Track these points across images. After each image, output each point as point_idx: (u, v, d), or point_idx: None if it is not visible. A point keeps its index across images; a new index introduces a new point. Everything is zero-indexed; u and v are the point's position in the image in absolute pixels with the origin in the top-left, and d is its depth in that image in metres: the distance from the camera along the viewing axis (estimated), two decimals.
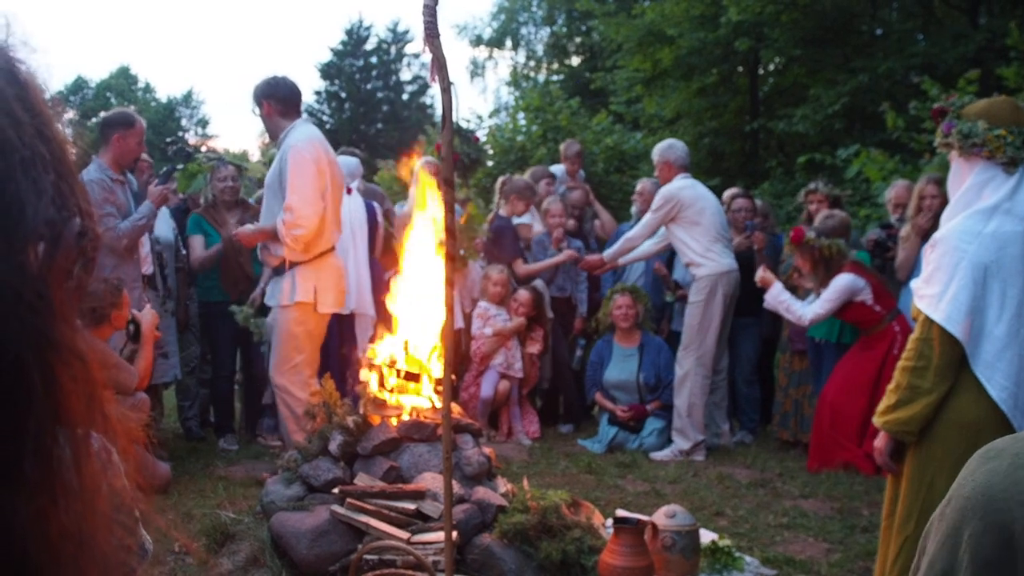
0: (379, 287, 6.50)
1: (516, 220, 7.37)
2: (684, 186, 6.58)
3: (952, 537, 0.72)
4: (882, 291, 5.89)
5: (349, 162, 6.62)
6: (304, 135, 5.12)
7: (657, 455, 6.41)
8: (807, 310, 5.92)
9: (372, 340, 6.23)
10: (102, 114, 5.55)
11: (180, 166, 5.67)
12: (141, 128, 5.36)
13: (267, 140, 5.78)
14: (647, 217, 6.74)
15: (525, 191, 7.51)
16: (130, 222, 5.22)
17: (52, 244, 0.56)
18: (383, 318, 6.30)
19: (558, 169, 8.38)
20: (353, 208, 6.36)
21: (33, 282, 0.53)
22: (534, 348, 7.08)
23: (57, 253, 0.56)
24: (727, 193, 7.61)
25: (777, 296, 6.04)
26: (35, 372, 0.52)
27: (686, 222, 6.50)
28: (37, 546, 0.52)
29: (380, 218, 6.78)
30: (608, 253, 7.08)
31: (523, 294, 6.95)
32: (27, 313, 0.52)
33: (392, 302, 4.58)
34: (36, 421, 0.52)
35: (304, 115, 5.41)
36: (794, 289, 6.45)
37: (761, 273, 6.18)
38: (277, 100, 5.22)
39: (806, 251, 5.97)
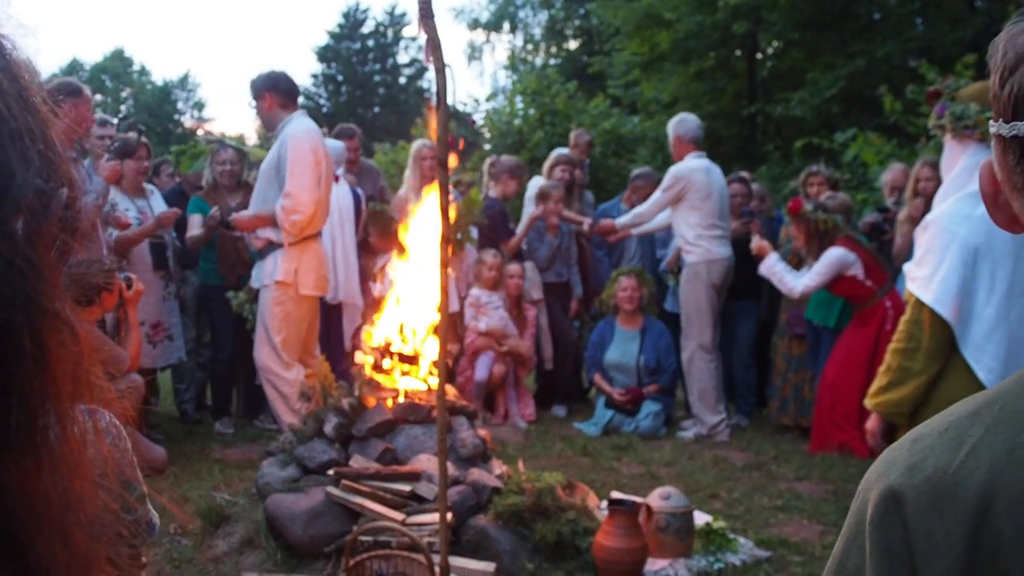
0: (364, 274, 6.57)
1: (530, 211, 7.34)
2: (696, 168, 6.51)
3: (858, 529, 0.73)
4: (873, 266, 5.90)
5: (335, 147, 6.60)
6: (303, 126, 5.38)
7: (682, 434, 6.52)
8: (798, 282, 5.94)
9: (359, 329, 6.29)
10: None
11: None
12: (88, 96, 5.30)
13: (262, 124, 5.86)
14: (657, 195, 6.71)
15: (516, 170, 7.52)
16: (88, 202, 5.18)
17: (40, 214, 0.57)
18: (369, 304, 6.37)
19: (558, 154, 8.36)
20: (340, 195, 6.37)
21: (23, 250, 0.54)
22: (529, 332, 7.08)
23: (45, 222, 0.57)
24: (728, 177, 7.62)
25: (772, 266, 6.05)
26: (24, 335, 0.53)
27: (687, 206, 6.49)
28: (23, 507, 0.53)
29: (364, 205, 6.75)
30: (620, 221, 7.08)
31: (514, 267, 6.96)
32: (17, 279, 0.53)
33: (386, 285, 4.60)
34: (24, 383, 0.53)
35: (301, 108, 5.61)
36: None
37: (757, 242, 6.17)
38: (279, 93, 5.46)
39: (802, 223, 5.98)
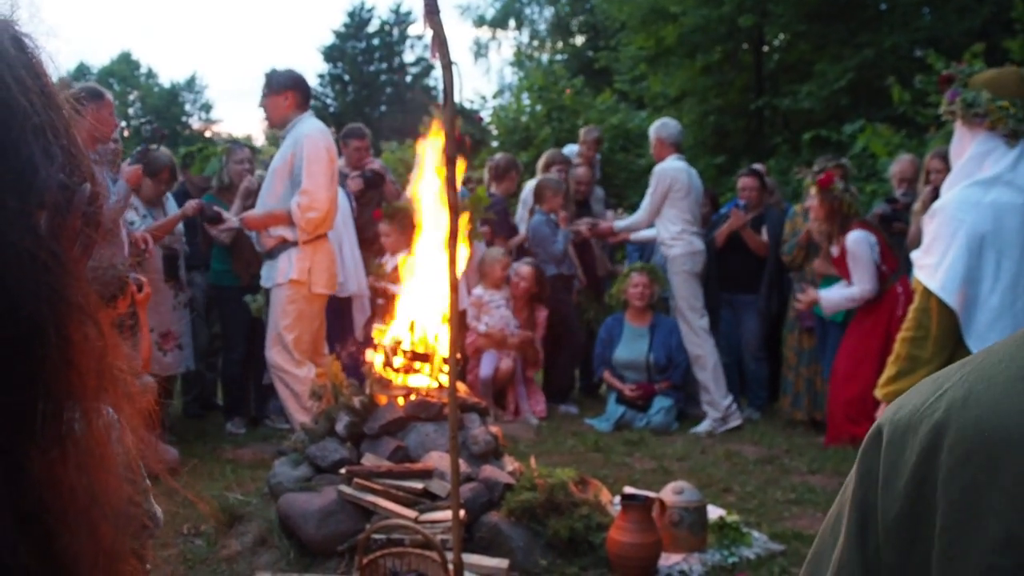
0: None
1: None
2: (680, 168, 6.77)
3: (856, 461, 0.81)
4: (887, 250, 5.89)
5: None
6: (316, 126, 5.46)
7: (697, 429, 6.55)
8: (855, 290, 5.82)
9: (370, 320, 6.34)
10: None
11: (154, 146, 5.73)
12: (110, 100, 5.33)
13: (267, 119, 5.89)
14: (648, 200, 6.91)
15: (514, 165, 7.62)
16: (111, 205, 5.22)
17: (64, 208, 0.58)
18: (377, 299, 6.43)
19: (569, 150, 8.37)
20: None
21: (47, 243, 0.55)
22: (539, 333, 7.06)
23: (69, 217, 0.58)
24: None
25: (831, 300, 5.93)
26: (50, 327, 0.54)
27: (668, 203, 6.75)
28: (50, 499, 0.54)
29: (353, 203, 6.77)
30: (619, 224, 7.36)
31: (525, 268, 6.93)
32: (42, 272, 0.54)
33: (396, 283, 4.60)
34: (49, 375, 0.54)
35: (311, 111, 5.66)
36: (787, 274, 6.77)
37: (808, 296, 6.10)
38: (299, 93, 5.52)
39: (827, 198, 5.91)
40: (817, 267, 6.43)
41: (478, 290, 6.91)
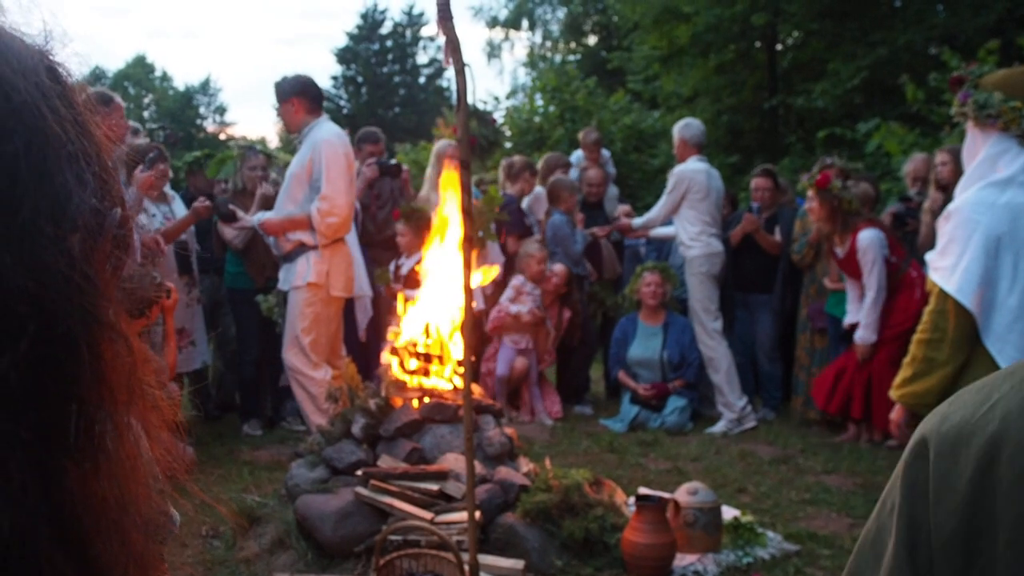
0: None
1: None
2: (699, 170, 6.76)
3: (898, 471, 0.79)
4: (895, 242, 5.92)
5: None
6: (333, 131, 5.51)
7: (712, 429, 6.57)
8: (873, 295, 5.79)
9: (372, 320, 6.46)
10: None
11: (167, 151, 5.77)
12: (120, 104, 5.36)
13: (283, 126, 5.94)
14: (664, 199, 6.94)
15: (532, 167, 7.66)
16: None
17: (96, 231, 0.60)
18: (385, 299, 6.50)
19: (576, 157, 8.38)
20: None
21: (80, 266, 0.57)
22: (560, 333, 7.08)
23: (101, 240, 0.60)
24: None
25: (868, 327, 5.85)
26: (83, 345, 0.56)
27: (686, 205, 6.77)
28: (83, 509, 0.56)
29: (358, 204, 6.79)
30: (637, 221, 7.43)
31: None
32: (75, 293, 0.56)
33: (412, 285, 4.62)
34: (82, 391, 0.57)
35: (325, 113, 5.70)
36: (802, 273, 6.77)
37: (862, 352, 6.00)
38: (307, 98, 5.54)
39: (827, 198, 5.90)
40: (828, 284, 6.45)
41: (519, 278, 6.94)
